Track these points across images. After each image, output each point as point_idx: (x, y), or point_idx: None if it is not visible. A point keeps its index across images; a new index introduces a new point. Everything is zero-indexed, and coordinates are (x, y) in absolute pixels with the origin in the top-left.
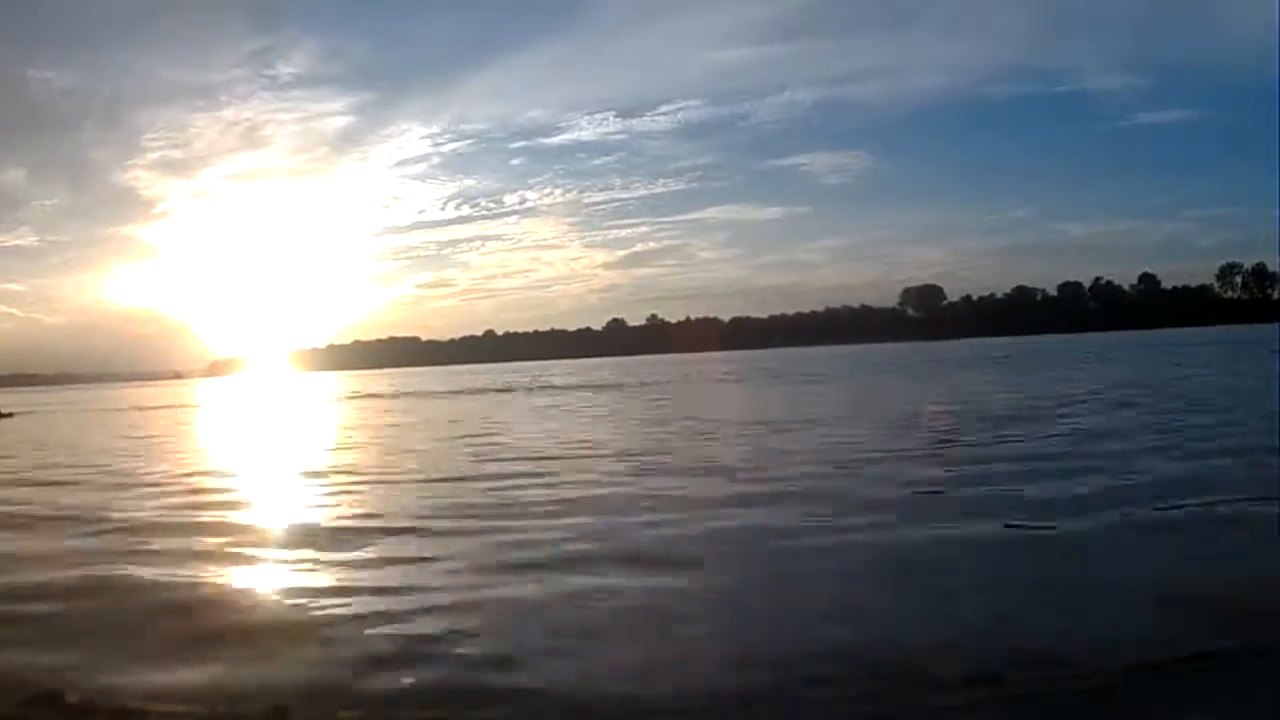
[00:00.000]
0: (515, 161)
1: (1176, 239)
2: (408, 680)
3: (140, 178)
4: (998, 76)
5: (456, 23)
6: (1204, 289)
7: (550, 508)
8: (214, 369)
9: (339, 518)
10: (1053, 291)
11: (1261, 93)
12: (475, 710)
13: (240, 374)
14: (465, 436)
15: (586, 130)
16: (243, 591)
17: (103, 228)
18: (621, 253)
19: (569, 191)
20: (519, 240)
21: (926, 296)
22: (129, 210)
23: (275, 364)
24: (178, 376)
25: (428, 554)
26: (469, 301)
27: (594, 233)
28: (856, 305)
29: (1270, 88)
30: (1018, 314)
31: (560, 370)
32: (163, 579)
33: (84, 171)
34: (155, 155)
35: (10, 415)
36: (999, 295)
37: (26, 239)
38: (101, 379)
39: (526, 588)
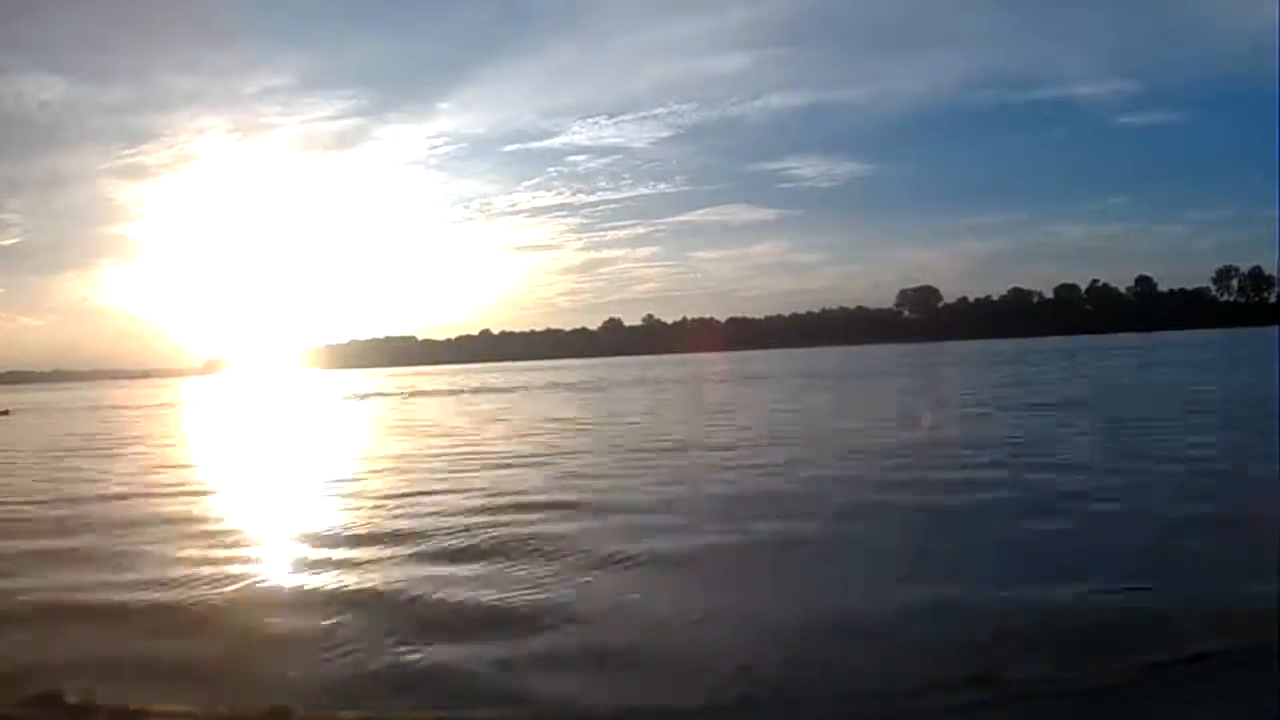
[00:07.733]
0: (509, 165)
1: (1173, 242)
2: None
3: (119, 185)
4: (988, 81)
5: (453, 29)
6: (1200, 292)
7: None
8: (210, 367)
9: None
10: (1049, 294)
11: (1257, 95)
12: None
13: (238, 372)
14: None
15: (580, 134)
16: None
17: (87, 230)
18: (615, 253)
19: (562, 194)
20: (513, 242)
21: (923, 298)
22: (114, 213)
23: (272, 363)
24: (146, 375)
25: None
26: (464, 302)
27: (588, 234)
28: (853, 306)
29: (1264, 89)
30: (1014, 316)
31: (594, 369)
32: None
33: (64, 176)
34: (143, 159)
35: (8, 413)
36: (995, 297)
37: (7, 241)
38: (88, 377)
39: None
